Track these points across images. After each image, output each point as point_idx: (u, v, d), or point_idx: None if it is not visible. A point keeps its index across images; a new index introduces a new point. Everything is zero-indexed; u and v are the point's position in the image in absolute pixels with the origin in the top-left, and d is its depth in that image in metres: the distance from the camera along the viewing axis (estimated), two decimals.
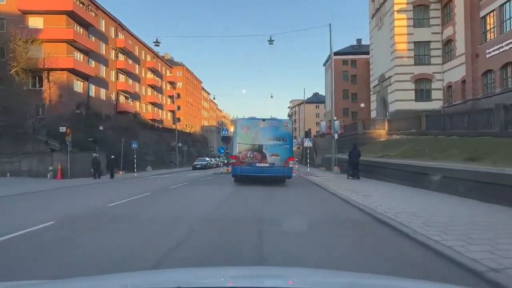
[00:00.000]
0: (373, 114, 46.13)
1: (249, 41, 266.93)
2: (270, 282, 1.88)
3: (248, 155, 16.12)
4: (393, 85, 39.23)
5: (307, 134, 45.24)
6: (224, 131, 26.42)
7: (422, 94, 38.69)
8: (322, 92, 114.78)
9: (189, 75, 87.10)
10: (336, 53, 72.07)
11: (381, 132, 29.76)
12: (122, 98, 48.18)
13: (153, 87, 59.69)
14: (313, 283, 1.92)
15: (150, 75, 58.39)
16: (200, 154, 62.59)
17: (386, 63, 41.20)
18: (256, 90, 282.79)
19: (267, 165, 16.02)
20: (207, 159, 43.77)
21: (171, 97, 70.19)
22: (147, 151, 39.48)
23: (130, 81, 50.38)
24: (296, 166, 32.69)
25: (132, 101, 51.21)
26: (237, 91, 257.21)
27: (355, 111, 72.83)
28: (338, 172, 22.89)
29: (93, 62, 40.20)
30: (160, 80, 63.57)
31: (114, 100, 42.77)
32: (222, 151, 26.87)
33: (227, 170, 27.73)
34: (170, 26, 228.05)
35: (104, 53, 42.94)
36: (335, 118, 24.97)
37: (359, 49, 74.46)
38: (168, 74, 69.89)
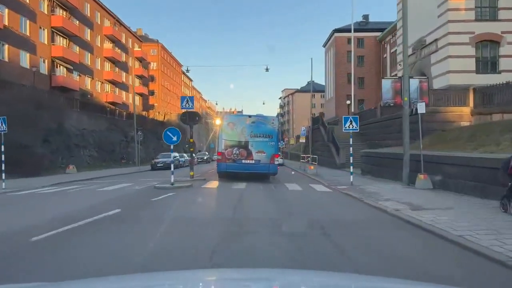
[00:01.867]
0: None
1: (242, 30, 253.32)
2: (255, 286, 1.83)
3: (234, 152, 15.86)
4: (444, 50, 27.28)
5: (318, 120, 32.83)
6: (185, 101, 13.94)
7: (485, 63, 26.90)
8: (318, 80, 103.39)
9: (166, 55, 73.96)
10: (338, 30, 60.49)
11: (462, 110, 17.73)
12: (62, 70, 35.18)
13: (113, 61, 46.60)
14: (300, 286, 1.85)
15: (108, 45, 45.29)
16: (175, 148, 49.97)
17: (429, 21, 29.20)
18: (247, 80, 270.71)
19: (253, 162, 15.83)
20: (175, 154, 31.38)
21: (139, 77, 57.20)
22: (83, 142, 26.77)
23: (76, 48, 37.34)
24: (312, 167, 20.48)
25: (79, 75, 38.19)
26: (226, 82, 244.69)
27: (361, 98, 61.81)
28: (428, 185, 10.84)
29: (6, 9, 27.20)
30: (124, 54, 50.49)
31: (34, 67, 29.61)
32: (175, 138, 13.31)
33: (192, 174, 15.55)
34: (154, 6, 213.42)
35: (27, 1, 29.87)
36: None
37: (366, 26, 62.54)
38: (136, 48, 56.70)
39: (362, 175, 17.42)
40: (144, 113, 55.68)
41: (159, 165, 28.16)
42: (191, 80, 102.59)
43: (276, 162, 16.01)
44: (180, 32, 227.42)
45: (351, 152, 13.13)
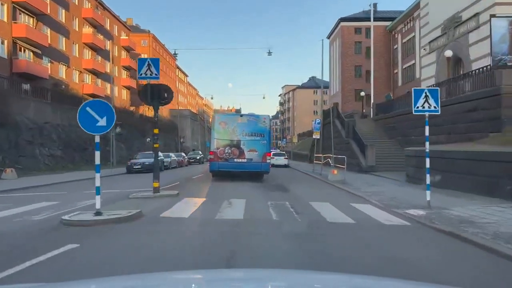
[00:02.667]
0: (428, 83, 28.56)
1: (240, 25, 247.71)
2: (246, 287, 1.78)
3: (226, 151, 15.91)
4: (488, 26, 22.10)
5: (334, 111, 27.53)
6: (146, 66, 8.95)
7: None
8: (319, 76, 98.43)
9: (158, 47, 68.66)
10: (345, 19, 55.44)
11: None
12: (27, 54, 29.88)
13: (95, 49, 41.25)
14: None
15: (88, 29, 39.92)
16: (167, 147, 44.77)
17: None
18: (246, 77, 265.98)
19: (245, 160, 15.91)
20: (160, 154, 26.01)
21: (127, 68, 51.94)
22: (40, 139, 21.42)
23: (46, 30, 32.04)
24: (335, 171, 15.25)
25: (51, 62, 32.89)
26: (223, 78, 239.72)
27: (370, 94, 56.72)
28: None
29: None
30: (108, 42, 45.12)
31: None
32: (103, 122, 6.56)
33: (156, 186, 10.23)
34: None
35: None
36: None
37: (375, 15, 57.40)
38: (123, 37, 51.36)
39: (409, 183, 12.26)
40: (132, 108, 50.40)
41: (136, 167, 22.83)
42: (186, 75, 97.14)
43: (268, 161, 16.19)
44: (177, 29, 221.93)
45: (427, 151, 7.58)
